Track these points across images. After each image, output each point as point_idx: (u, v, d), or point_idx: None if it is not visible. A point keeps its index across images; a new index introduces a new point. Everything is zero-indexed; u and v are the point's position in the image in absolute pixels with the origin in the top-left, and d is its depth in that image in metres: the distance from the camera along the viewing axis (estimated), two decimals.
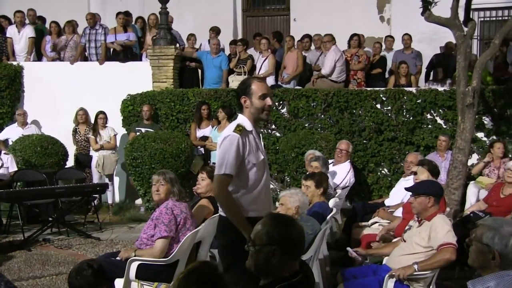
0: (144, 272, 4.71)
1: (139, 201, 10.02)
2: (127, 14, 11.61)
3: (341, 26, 11.75)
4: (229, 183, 3.76)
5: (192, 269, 2.46)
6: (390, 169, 9.57)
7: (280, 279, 2.73)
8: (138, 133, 9.62)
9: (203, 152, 9.72)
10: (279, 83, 10.50)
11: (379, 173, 9.64)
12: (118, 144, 10.19)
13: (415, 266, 4.32)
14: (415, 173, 6.11)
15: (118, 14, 11.18)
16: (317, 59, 10.74)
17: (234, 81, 10.50)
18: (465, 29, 7.86)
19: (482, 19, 12.34)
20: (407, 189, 5.06)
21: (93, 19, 11.26)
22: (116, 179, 10.49)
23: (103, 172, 9.89)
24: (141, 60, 11.32)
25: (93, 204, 9.33)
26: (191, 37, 11.62)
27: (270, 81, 10.42)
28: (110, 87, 10.60)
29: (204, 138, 9.59)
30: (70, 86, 10.88)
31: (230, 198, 3.76)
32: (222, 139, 3.80)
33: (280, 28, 13.40)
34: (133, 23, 11.88)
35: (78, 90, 10.78)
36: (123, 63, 10.90)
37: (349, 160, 8.30)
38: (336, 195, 7.00)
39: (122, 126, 10.31)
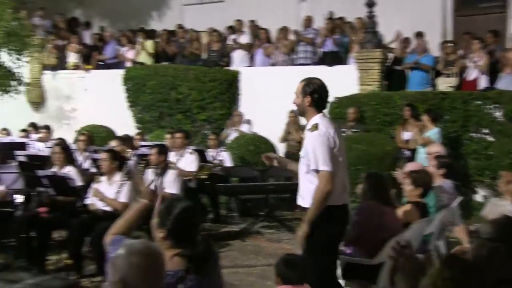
0: None
1: None
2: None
3: None
4: None
5: None
6: None
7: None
8: (343, 134, 9.79)
9: (410, 155, 9.55)
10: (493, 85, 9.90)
11: None
12: None
13: None
14: None
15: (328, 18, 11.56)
16: None
17: (443, 83, 10.20)
18: None
19: None
20: None
21: (308, 22, 11.72)
22: None
23: None
24: (346, 63, 11.51)
25: None
26: (402, 39, 11.51)
27: (483, 83, 9.90)
28: None
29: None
30: (279, 89, 11.43)
31: None
32: None
33: (495, 27, 12.59)
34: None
35: (287, 93, 11.25)
36: (330, 67, 11.17)
37: None
38: None
39: None
